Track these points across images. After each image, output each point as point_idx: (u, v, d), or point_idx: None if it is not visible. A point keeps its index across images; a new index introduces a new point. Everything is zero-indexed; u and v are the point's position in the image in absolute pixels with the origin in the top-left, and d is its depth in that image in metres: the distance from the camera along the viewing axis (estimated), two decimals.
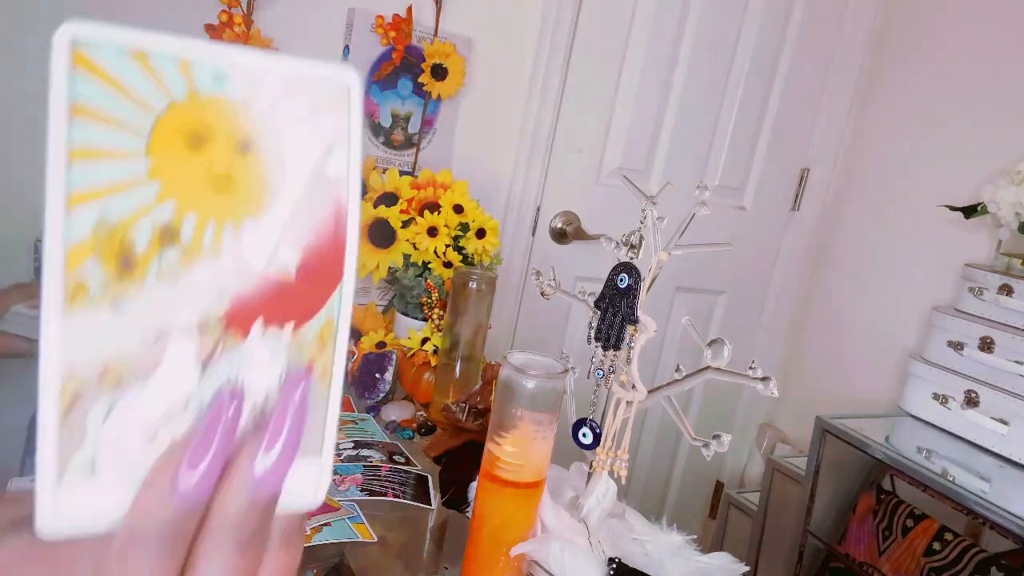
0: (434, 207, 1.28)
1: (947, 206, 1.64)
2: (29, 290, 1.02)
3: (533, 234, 1.74)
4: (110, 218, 0.22)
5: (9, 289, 1.03)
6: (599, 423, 0.75)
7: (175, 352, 0.23)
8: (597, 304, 0.76)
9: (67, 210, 0.22)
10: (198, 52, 0.23)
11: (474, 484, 0.73)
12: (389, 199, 1.29)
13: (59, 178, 0.21)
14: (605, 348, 0.74)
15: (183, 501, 0.22)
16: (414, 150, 1.53)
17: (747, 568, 0.69)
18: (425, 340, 1.18)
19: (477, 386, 1.06)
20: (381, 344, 1.21)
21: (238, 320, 0.24)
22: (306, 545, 0.72)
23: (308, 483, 0.24)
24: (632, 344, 0.73)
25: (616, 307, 0.74)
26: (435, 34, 1.48)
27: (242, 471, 0.22)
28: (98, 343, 0.22)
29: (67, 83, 0.21)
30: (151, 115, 0.22)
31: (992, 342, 1.45)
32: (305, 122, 0.24)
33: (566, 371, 0.71)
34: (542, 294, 0.85)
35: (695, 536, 0.72)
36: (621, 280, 0.73)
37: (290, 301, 0.24)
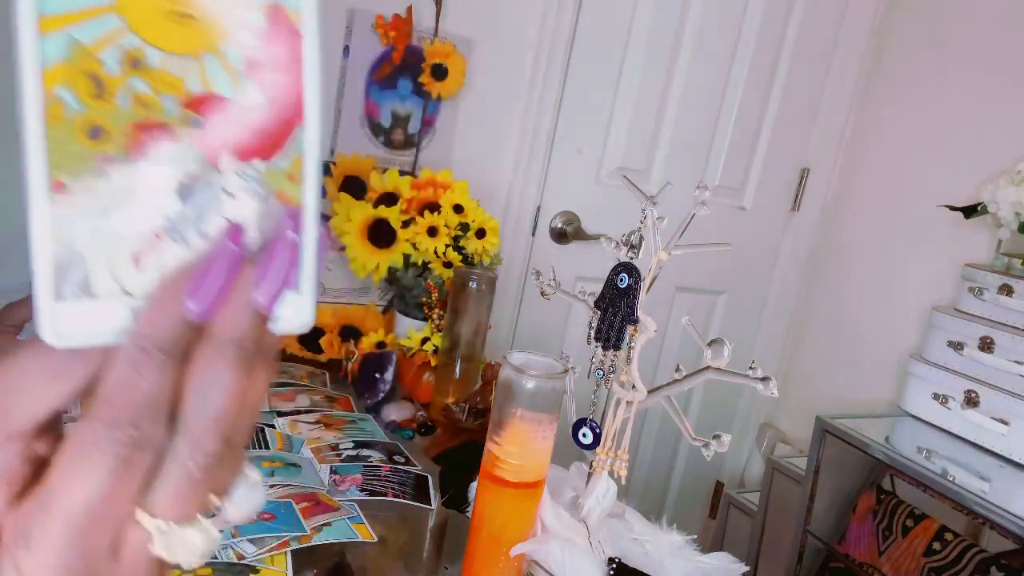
0: (434, 207, 1.28)
1: (947, 206, 1.65)
2: None
3: (533, 234, 1.74)
4: (82, 41, 0.23)
5: (26, 300, 1.03)
6: (599, 423, 0.75)
7: (152, 176, 0.24)
8: (597, 304, 0.76)
9: (40, 34, 0.22)
10: None
11: (474, 484, 0.73)
12: (389, 199, 1.29)
13: (28, 4, 0.22)
14: (605, 348, 0.74)
15: (190, 316, 0.24)
16: (414, 150, 1.53)
17: (747, 568, 0.69)
18: (425, 340, 1.18)
19: (477, 386, 1.06)
20: (381, 344, 1.21)
21: (206, 151, 0.25)
22: (306, 545, 0.72)
23: (292, 311, 0.26)
24: (632, 344, 0.73)
25: (616, 307, 0.74)
26: (435, 34, 1.48)
27: (244, 294, 0.25)
28: (75, 159, 0.24)
29: None
30: None
31: (992, 342, 1.45)
32: None
33: (566, 371, 0.71)
34: (542, 294, 0.85)
35: (695, 536, 0.72)
36: (621, 280, 0.73)
37: (255, 134, 0.25)
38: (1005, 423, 1.42)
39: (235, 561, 0.67)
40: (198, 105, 0.25)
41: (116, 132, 0.24)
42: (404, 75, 1.47)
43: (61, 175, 0.24)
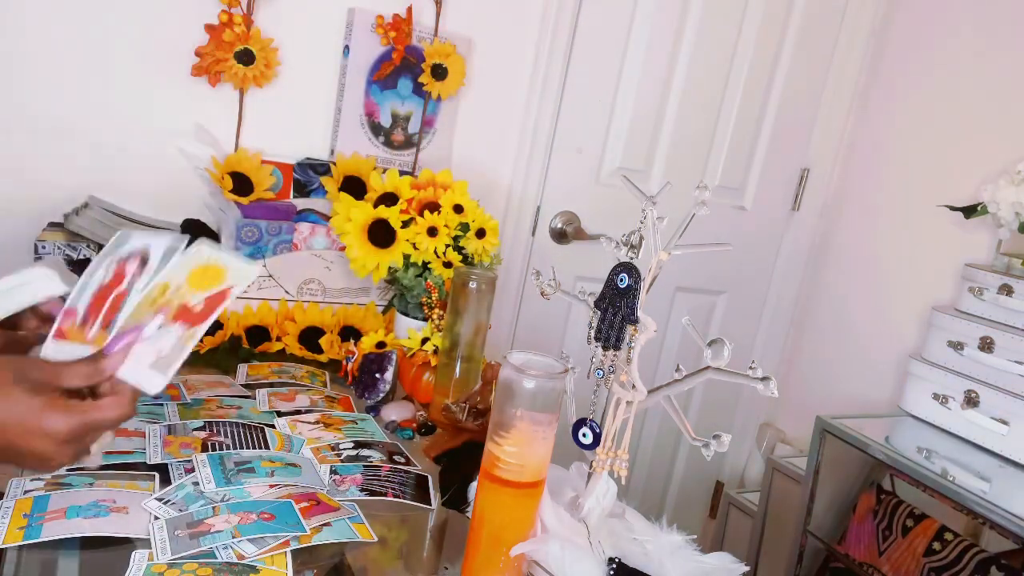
0: (434, 207, 1.28)
1: (947, 206, 1.65)
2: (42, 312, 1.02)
3: (533, 234, 1.74)
4: (163, 284, 0.70)
5: (25, 312, 1.02)
6: (599, 423, 0.75)
7: (156, 319, 0.67)
8: (597, 304, 0.76)
9: (180, 280, 0.73)
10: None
11: (474, 484, 0.73)
12: (389, 199, 1.29)
13: (143, 283, 0.71)
14: (605, 348, 0.74)
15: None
16: (414, 150, 1.53)
17: (747, 568, 0.69)
18: (425, 340, 1.18)
19: (477, 386, 1.06)
20: (381, 344, 1.21)
21: (174, 318, 0.66)
22: (306, 545, 0.72)
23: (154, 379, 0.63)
24: (632, 344, 0.73)
25: (616, 307, 0.74)
26: (435, 34, 1.48)
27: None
28: (145, 307, 0.68)
29: (188, 264, 0.72)
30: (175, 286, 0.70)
31: (992, 342, 1.45)
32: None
33: (566, 371, 0.71)
34: (542, 294, 0.85)
35: (695, 536, 0.72)
36: (621, 280, 0.73)
37: (189, 320, 0.66)
38: (1005, 423, 1.42)
39: (235, 561, 0.67)
40: (180, 306, 0.66)
41: (156, 304, 0.67)
42: (404, 75, 1.47)
43: (134, 312, 0.70)
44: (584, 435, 0.76)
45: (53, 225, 1.24)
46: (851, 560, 1.49)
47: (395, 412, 1.09)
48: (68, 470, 0.79)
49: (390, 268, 1.25)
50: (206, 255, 0.68)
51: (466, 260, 1.28)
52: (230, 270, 0.66)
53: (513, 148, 1.67)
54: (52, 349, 0.65)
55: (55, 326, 0.65)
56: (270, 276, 1.28)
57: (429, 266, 1.25)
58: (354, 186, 1.39)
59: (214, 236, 1.32)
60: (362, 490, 0.85)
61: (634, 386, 0.73)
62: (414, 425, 1.07)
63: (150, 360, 0.63)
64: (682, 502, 2.17)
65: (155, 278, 0.66)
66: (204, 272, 0.66)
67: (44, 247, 1.16)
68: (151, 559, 0.66)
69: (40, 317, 0.69)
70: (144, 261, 0.68)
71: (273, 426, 0.97)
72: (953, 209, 1.62)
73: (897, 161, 1.89)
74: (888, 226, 1.89)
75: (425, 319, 1.22)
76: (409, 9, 1.43)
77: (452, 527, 0.85)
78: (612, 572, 0.66)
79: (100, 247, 1.20)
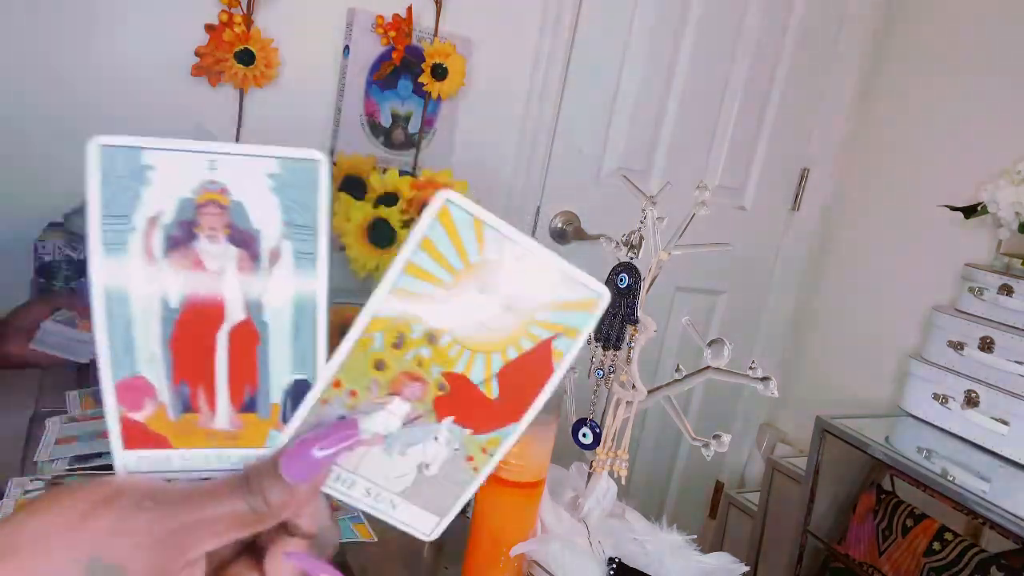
0: None
1: (947, 206, 1.64)
2: (51, 303, 1.02)
3: (533, 234, 1.74)
4: (407, 313, 0.33)
5: (32, 303, 1.03)
6: (599, 423, 0.75)
7: (395, 405, 0.35)
8: None
9: (387, 295, 0.33)
10: (519, 238, 0.33)
11: None
12: (389, 199, 1.29)
13: (392, 277, 0.33)
14: (605, 348, 0.74)
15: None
16: (414, 150, 1.53)
17: (747, 568, 0.69)
18: None
19: None
20: None
21: (439, 409, 0.35)
22: None
23: (427, 524, 0.37)
24: (632, 344, 0.73)
25: (616, 307, 0.74)
26: (435, 34, 1.48)
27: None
28: (357, 376, 0.34)
29: (429, 224, 0.32)
30: (462, 262, 0.32)
31: (992, 342, 1.45)
32: (557, 309, 0.34)
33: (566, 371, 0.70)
34: None
35: (695, 536, 0.71)
36: (621, 280, 0.73)
37: (479, 415, 0.35)
38: (1005, 423, 1.42)
39: None
40: (452, 379, 0.34)
41: (392, 371, 0.34)
42: (404, 75, 1.47)
43: (342, 378, 0.34)
44: (584, 435, 0.76)
45: (53, 225, 1.24)
46: (851, 560, 1.49)
47: None
48: (68, 470, 0.79)
49: None
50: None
51: None
52: (555, 300, 0.33)
53: (513, 148, 1.67)
54: (130, 465, 0.33)
55: (112, 416, 0.32)
56: None
57: None
58: (354, 186, 1.39)
59: None
60: None
61: (634, 386, 0.73)
62: None
63: (399, 480, 0.36)
64: (682, 502, 2.17)
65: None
66: (491, 286, 0.33)
67: (44, 247, 1.16)
68: None
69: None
70: (242, 236, 0.32)
71: None
72: (953, 209, 1.62)
73: (897, 161, 1.89)
74: (888, 226, 1.89)
75: None
76: (409, 9, 1.43)
77: (452, 527, 0.85)
78: (612, 572, 0.66)
79: None
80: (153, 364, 0.32)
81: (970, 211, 1.58)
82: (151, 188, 0.31)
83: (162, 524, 0.29)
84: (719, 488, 2.19)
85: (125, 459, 0.33)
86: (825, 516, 1.58)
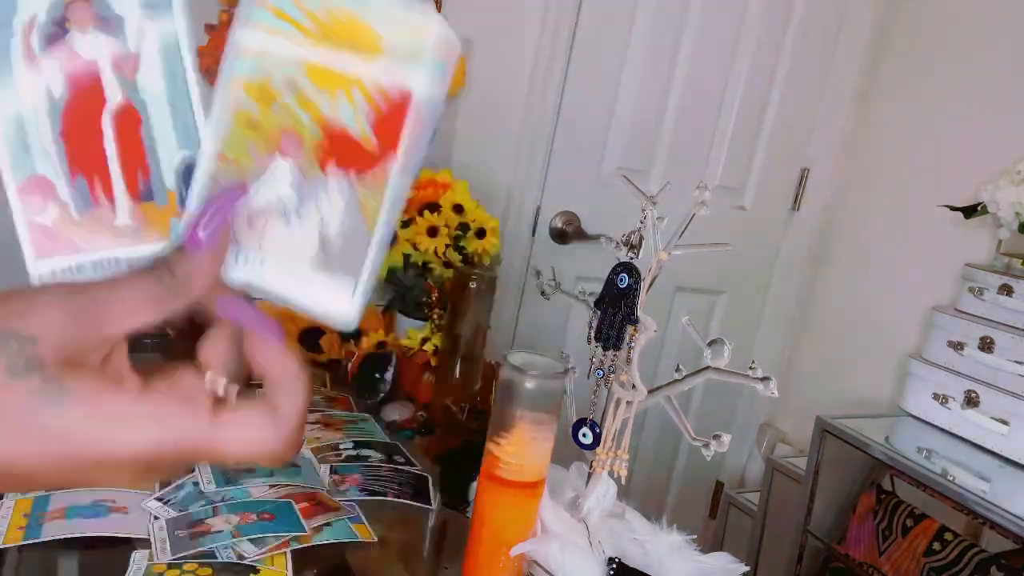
0: (434, 207, 1.28)
1: (947, 206, 1.64)
2: None
3: (533, 234, 1.74)
4: (262, 66, 0.34)
5: None
6: (599, 423, 0.75)
7: (279, 167, 0.33)
8: (597, 304, 0.76)
9: (240, 57, 0.34)
10: None
11: (474, 484, 0.73)
12: None
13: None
14: (605, 348, 0.74)
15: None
16: None
17: (747, 568, 0.69)
18: (425, 340, 1.18)
19: (477, 386, 1.06)
20: (381, 344, 1.21)
21: (322, 157, 0.33)
22: (306, 545, 0.72)
23: (343, 294, 0.34)
24: (632, 344, 0.73)
25: (616, 307, 0.74)
26: None
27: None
28: (237, 142, 0.33)
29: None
30: (306, 16, 0.33)
31: (992, 342, 1.45)
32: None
33: (566, 371, 0.71)
34: (542, 294, 0.85)
35: (695, 536, 0.71)
36: (621, 280, 0.73)
37: (358, 157, 0.34)
38: (1005, 423, 1.42)
39: (235, 561, 0.67)
40: (325, 125, 0.33)
41: (266, 128, 0.33)
42: None
43: (226, 150, 0.33)
44: (584, 435, 0.76)
45: None
46: (851, 560, 1.49)
47: (395, 412, 1.09)
48: None
49: (390, 268, 1.25)
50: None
51: (466, 260, 1.28)
52: (388, 39, 0.33)
53: (513, 148, 1.67)
54: (44, 276, 0.34)
55: (20, 222, 0.34)
56: None
57: (429, 266, 1.25)
58: None
59: None
60: (362, 490, 0.85)
61: (634, 386, 0.73)
62: (414, 425, 1.07)
63: (303, 247, 0.34)
64: (682, 502, 2.17)
65: (239, 65, 0.34)
66: (335, 39, 0.33)
67: None
68: (151, 559, 0.66)
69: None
70: (108, 24, 0.34)
71: None
72: (953, 209, 1.62)
73: (897, 161, 1.89)
74: (888, 226, 1.89)
75: (425, 319, 1.22)
76: None
77: (452, 527, 0.85)
78: (612, 572, 0.66)
79: None
80: (48, 159, 0.33)
81: (970, 211, 1.58)
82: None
83: (73, 300, 0.30)
84: (719, 488, 2.19)
85: (39, 268, 0.34)
86: (825, 516, 1.58)
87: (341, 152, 0.33)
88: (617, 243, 0.75)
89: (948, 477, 1.33)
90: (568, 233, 1.77)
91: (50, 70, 0.33)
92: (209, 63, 1.26)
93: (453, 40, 0.34)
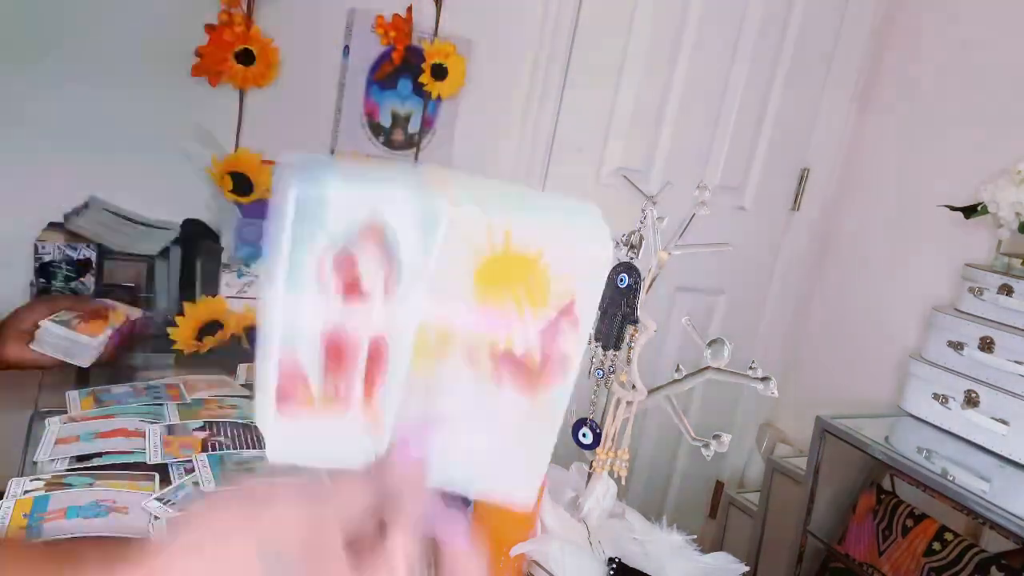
0: None
1: (947, 206, 1.64)
2: (52, 305, 1.02)
3: None
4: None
5: (33, 304, 1.03)
6: (599, 423, 0.75)
7: (463, 379, 0.38)
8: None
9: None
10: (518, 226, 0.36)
11: None
12: None
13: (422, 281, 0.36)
14: (605, 348, 0.74)
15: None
16: (414, 150, 1.53)
17: (747, 568, 0.69)
18: None
19: None
20: None
21: (496, 372, 0.38)
22: None
23: (524, 489, 0.41)
24: (632, 344, 0.73)
25: (616, 307, 0.74)
26: (435, 34, 1.48)
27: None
28: (423, 360, 0.37)
29: (445, 234, 0.35)
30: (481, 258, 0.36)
31: (992, 342, 1.45)
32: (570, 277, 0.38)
33: None
34: None
35: (695, 536, 0.72)
36: (621, 280, 0.73)
37: (525, 373, 0.38)
38: (1005, 423, 1.42)
39: None
40: (491, 351, 0.38)
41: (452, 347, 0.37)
42: (404, 75, 1.47)
43: (414, 368, 0.37)
44: (584, 435, 0.76)
45: (53, 225, 1.24)
46: (851, 560, 1.49)
47: None
48: (68, 470, 0.79)
49: None
50: (497, 222, 0.36)
51: None
52: (552, 254, 0.37)
53: (513, 148, 1.67)
54: (281, 440, 0.38)
55: (267, 387, 0.37)
56: None
57: None
58: None
59: (214, 236, 1.32)
60: None
61: (634, 386, 0.73)
62: None
63: (483, 455, 0.39)
64: (682, 502, 2.17)
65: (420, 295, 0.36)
66: (501, 266, 0.36)
67: (44, 247, 1.16)
68: None
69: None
70: (387, 247, 0.36)
71: None
72: (953, 209, 1.62)
73: (897, 161, 1.89)
74: (888, 226, 1.89)
75: None
76: (409, 9, 1.43)
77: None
78: (612, 572, 0.66)
79: (100, 247, 1.20)
80: (310, 349, 0.37)
81: (970, 211, 1.58)
82: (328, 223, 0.35)
83: (313, 516, 0.35)
84: (719, 488, 2.19)
85: (279, 420, 0.37)
86: (825, 516, 1.58)
87: (513, 370, 0.38)
88: (617, 243, 0.75)
89: (948, 477, 1.33)
90: None
91: (334, 288, 0.36)
92: (209, 63, 1.26)
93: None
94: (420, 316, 0.37)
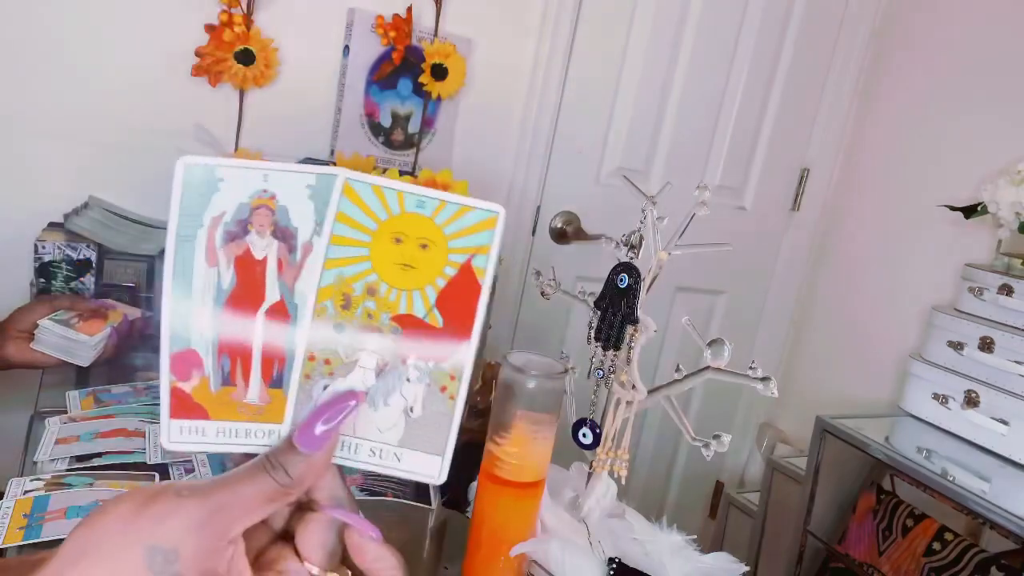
0: None
1: (947, 206, 1.64)
2: (52, 304, 1.02)
3: (533, 234, 1.74)
4: (343, 276, 0.39)
5: (33, 304, 1.03)
6: (599, 423, 0.75)
7: (365, 360, 0.39)
8: (597, 304, 0.76)
9: (324, 269, 0.39)
10: (409, 188, 0.39)
11: (474, 484, 0.73)
12: None
13: (322, 251, 0.38)
14: (605, 348, 0.74)
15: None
16: (414, 150, 1.53)
17: (747, 568, 0.69)
18: None
19: (477, 386, 1.06)
20: None
21: (401, 351, 0.40)
22: None
23: (432, 467, 0.41)
24: (632, 344, 0.73)
25: (616, 307, 0.74)
26: (435, 34, 1.48)
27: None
28: (326, 345, 0.39)
29: (338, 201, 0.38)
30: (376, 223, 0.39)
31: (992, 342, 1.45)
32: (465, 235, 0.39)
33: (566, 371, 0.71)
34: (542, 294, 0.85)
35: (695, 536, 0.71)
36: (621, 280, 0.73)
37: (433, 346, 0.40)
38: (1005, 423, 1.42)
39: None
40: (401, 321, 0.40)
41: (349, 330, 0.39)
42: (404, 75, 1.47)
43: (313, 350, 0.39)
44: (584, 435, 0.76)
45: (53, 225, 1.24)
46: (851, 560, 1.49)
47: None
48: (68, 470, 0.79)
49: None
50: (388, 200, 0.39)
51: None
52: (444, 227, 0.39)
53: (513, 148, 1.67)
54: (173, 434, 0.39)
55: (164, 385, 0.38)
56: None
57: None
58: None
59: None
60: (362, 490, 0.85)
61: (634, 386, 0.73)
62: None
63: (392, 430, 0.40)
64: (682, 502, 2.17)
65: (318, 274, 0.39)
66: (398, 228, 0.39)
67: (44, 247, 1.16)
68: None
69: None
70: (275, 230, 0.39)
71: None
72: (953, 209, 1.62)
73: (897, 161, 1.89)
74: (888, 226, 1.89)
75: None
76: (409, 9, 1.43)
77: (452, 527, 0.85)
78: (612, 572, 0.66)
79: (100, 247, 1.20)
80: (203, 338, 0.39)
81: (970, 211, 1.58)
82: (219, 194, 0.38)
83: (202, 507, 0.34)
84: (719, 488, 2.19)
85: (170, 428, 0.39)
86: (825, 516, 1.58)
87: (417, 343, 0.40)
88: (617, 243, 0.75)
89: (948, 477, 1.33)
90: (568, 233, 1.77)
91: (224, 262, 0.38)
92: (209, 63, 1.27)
93: (503, 219, 0.40)
94: (317, 286, 0.39)
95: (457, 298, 0.39)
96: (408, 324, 0.39)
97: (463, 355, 0.40)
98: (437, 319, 0.39)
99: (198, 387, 0.39)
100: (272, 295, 0.39)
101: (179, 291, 0.38)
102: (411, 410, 0.40)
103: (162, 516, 0.33)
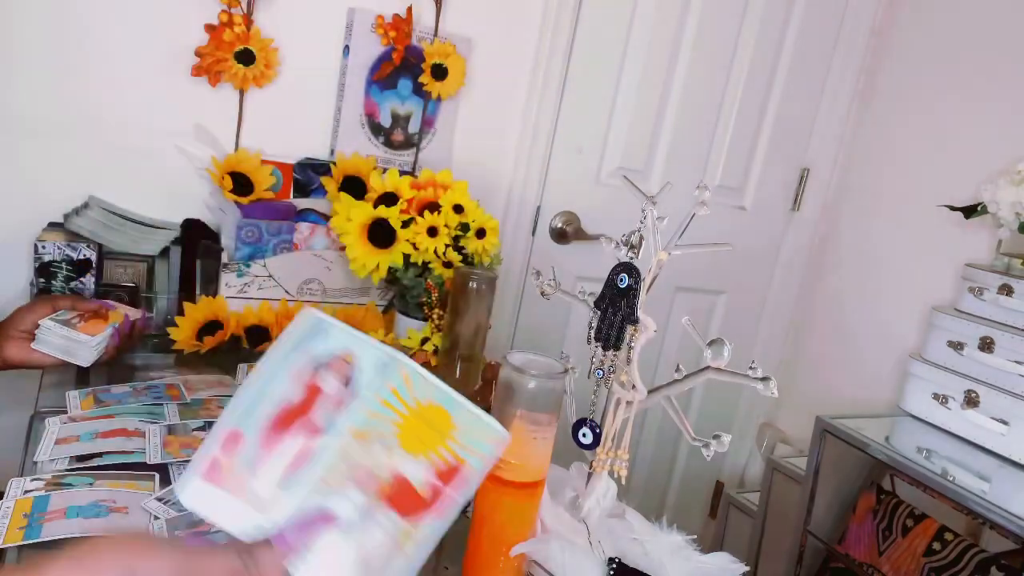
0: (434, 207, 1.28)
1: (947, 206, 1.64)
2: (52, 304, 1.02)
3: (533, 234, 1.74)
4: (371, 428, 0.47)
5: (33, 304, 1.03)
6: (599, 423, 0.75)
7: (354, 496, 0.46)
8: (597, 304, 0.76)
9: (368, 418, 0.48)
10: (459, 399, 0.49)
11: None
12: (389, 199, 1.29)
13: (366, 405, 0.48)
14: (605, 348, 0.74)
15: None
16: (414, 150, 1.53)
17: (747, 568, 0.69)
18: (425, 340, 1.18)
19: (477, 386, 1.06)
20: None
21: (384, 498, 0.46)
22: None
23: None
24: (632, 344, 0.73)
25: (616, 307, 0.74)
26: (435, 34, 1.48)
27: None
28: (335, 471, 0.46)
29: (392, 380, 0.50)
30: (406, 408, 0.48)
31: (992, 342, 1.45)
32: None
33: (566, 371, 0.71)
34: (542, 294, 0.85)
35: (695, 536, 0.72)
36: (621, 280, 0.73)
37: (408, 507, 0.46)
38: (1005, 423, 1.42)
39: None
40: (397, 479, 0.46)
41: (357, 467, 0.46)
42: (404, 75, 1.47)
43: (326, 476, 0.46)
44: (584, 435, 0.76)
45: (53, 225, 1.24)
46: (851, 560, 1.49)
47: None
48: (68, 470, 0.79)
49: (390, 268, 1.25)
50: (429, 391, 0.49)
51: (466, 260, 1.27)
52: (460, 428, 0.48)
53: (513, 148, 1.67)
54: (195, 493, 0.46)
55: (205, 455, 0.46)
56: (270, 276, 1.28)
57: (429, 266, 1.25)
58: (354, 186, 1.39)
59: (214, 236, 1.32)
60: None
61: (634, 386, 0.73)
62: None
63: (350, 564, 0.44)
64: (682, 502, 2.17)
65: (358, 417, 0.47)
66: (424, 419, 0.48)
67: (44, 247, 1.16)
68: None
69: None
70: (347, 379, 0.49)
71: None
72: (953, 209, 1.62)
73: (897, 161, 1.89)
74: (888, 226, 1.89)
75: (425, 319, 1.22)
76: (409, 9, 1.43)
77: (452, 527, 0.85)
78: (612, 572, 0.66)
79: (100, 247, 1.21)
80: (256, 426, 0.46)
81: (970, 211, 1.58)
82: (322, 343, 0.49)
83: (177, 560, 0.40)
84: (719, 488, 2.19)
85: (193, 484, 0.46)
86: (825, 516, 1.58)
87: (400, 498, 0.46)
88: (617, 243, 0.75)
89: (948, 477, 1.33)
90: (568, 233, 1.77)
91: (298, 383, 0.48)
92: (209, 63, 1.28)
93: (506, 438, 0.50)
94: (346, 438, 0.46)
95: (446, 480, 0.47)
96: (400, 484, 0.46)
97: (430, 526, 0.47)
98: (424, 491, 0.47)
99: (230, 464, 0.46)
100: (316, 418, 0.47)
101: (255, 384, 0.48)
102: (368, 547, 0.45)
103: (144, 553, 0.40)
